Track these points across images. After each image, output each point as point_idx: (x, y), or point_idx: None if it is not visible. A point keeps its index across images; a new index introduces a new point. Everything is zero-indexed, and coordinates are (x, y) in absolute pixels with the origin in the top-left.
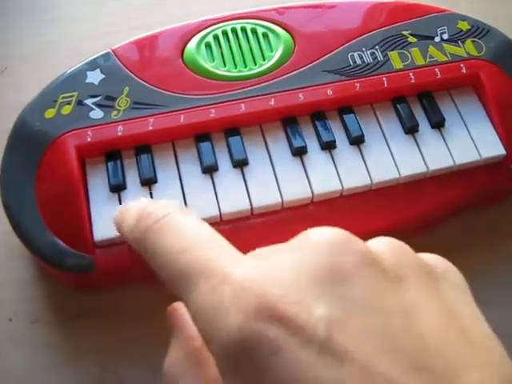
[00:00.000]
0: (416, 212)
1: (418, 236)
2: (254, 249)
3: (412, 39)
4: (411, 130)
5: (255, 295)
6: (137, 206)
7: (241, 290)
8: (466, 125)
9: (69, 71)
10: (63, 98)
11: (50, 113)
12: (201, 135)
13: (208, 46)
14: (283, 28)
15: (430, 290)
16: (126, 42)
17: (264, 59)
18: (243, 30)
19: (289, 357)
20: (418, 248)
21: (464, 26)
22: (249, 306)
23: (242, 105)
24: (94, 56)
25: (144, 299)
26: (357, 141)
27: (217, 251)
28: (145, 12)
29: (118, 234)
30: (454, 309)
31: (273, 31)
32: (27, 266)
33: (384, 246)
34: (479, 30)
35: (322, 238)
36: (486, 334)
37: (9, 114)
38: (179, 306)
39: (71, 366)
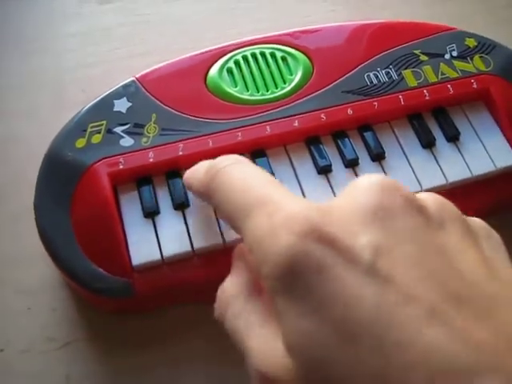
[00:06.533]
0: None
1: None
2: None
3: (423, 57)
4: (428, 144)
5: (306, 219)
6: (204, 163)
7: (293, 215)
8: (479, 137)
9: (94, 101)
10: (92, 127)
11: (80, 142)
12: None
13: (230, 71)
14: (300, 51)
15: (469, 240)
16: (148, 70)
17: (285, 82)
18: (262, 54)
19: (335, 275)
20: None
21: (471, 42)
22: (299, 227)
23: (268, 127)
24: (119, 85)
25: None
26: (378, 157)
27: (274, 190)
28: (128, 42)
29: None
30: (491, 258)
31: (291, 55)
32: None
33: (429, 197)
34: (486, 46)
35: (371, 181)
36: None
37: None
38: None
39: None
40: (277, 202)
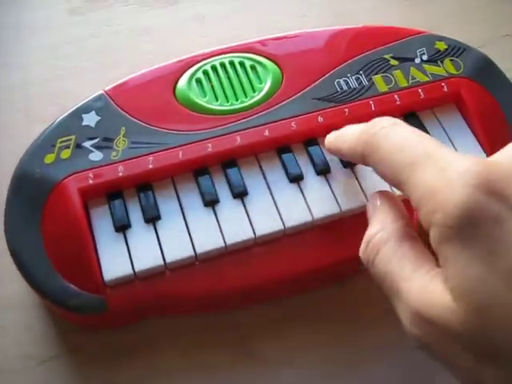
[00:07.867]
0: None
1: None
2: (259, 277)
3: (394, 62)
4: None
5: (479, 173)
6: (351, 127)
7: (467, 169)
8: (451, 141)
9: (63, 116)
10: (61, 142)
11: (49, 158)
12: (199, 169)
13: (199, 81)
14: (269, 59)
15: None
16: (117, 83)
17: (254, 91)
18: (231, 63)
19: (509, 228)
20: None
21: (441, 46)
22: (474, 181)
23: (238, 137)
24: (88, 98)
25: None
26: (350, 164)
27: (439, 147)
28: (99, 53)
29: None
30: None
31: (260, 63)
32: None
33: None
34: (456, 49)
35: None
36: None
37: None
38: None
39: None
40: (445, 157)
